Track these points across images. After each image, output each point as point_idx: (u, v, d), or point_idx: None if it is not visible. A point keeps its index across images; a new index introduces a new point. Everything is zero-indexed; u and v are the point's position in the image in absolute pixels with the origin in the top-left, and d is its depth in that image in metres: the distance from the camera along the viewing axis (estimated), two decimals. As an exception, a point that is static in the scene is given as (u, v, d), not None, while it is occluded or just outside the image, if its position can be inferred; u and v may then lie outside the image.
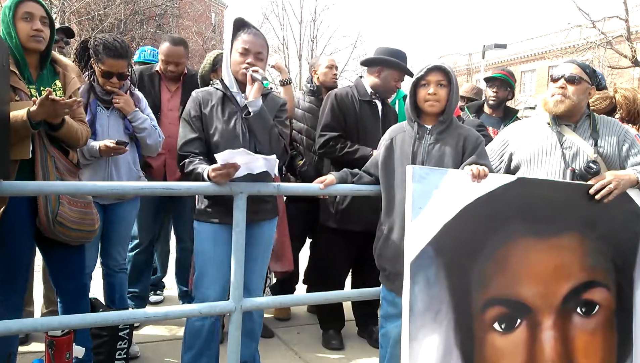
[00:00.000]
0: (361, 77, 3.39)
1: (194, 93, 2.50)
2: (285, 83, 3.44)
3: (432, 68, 2.32)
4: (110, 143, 2.64)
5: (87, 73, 2.76)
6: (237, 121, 2.42)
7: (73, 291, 2.51)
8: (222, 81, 2.49)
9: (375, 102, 3.30)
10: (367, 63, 3.34)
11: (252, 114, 2.36)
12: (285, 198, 3.43)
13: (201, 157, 2.38)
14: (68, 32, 3.34)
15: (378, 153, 2.51)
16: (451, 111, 2.35)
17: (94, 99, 2.75)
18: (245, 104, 2.40)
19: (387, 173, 2.42)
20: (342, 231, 3.23)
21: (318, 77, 3.70)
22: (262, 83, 2.36)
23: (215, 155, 2.19)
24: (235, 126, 2.42)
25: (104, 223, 2.82)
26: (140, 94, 2.96)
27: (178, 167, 2.44)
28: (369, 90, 3.29)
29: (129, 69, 2.81)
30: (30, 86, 2.29)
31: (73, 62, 2.77)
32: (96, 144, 2.64)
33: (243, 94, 2.44)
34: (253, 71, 2.36)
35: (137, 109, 2.84)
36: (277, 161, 2.29)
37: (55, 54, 2.47)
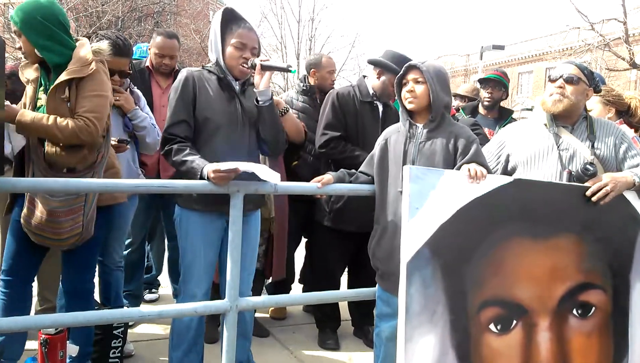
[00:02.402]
0: (365, 76, 3.35)
1: (185, 71, 2.42)
2: (284, 113, 3.25)
3: (408, 67, 2.39)
4: (111, 141, 2.62)
5: None
6: (236, 105, 2.42)
7: (68, 292, 2.52)
8: (217, 64, 2.43)
9: (376, 103, 3.27)
10: (370, 63, 3.30)
11: (262, 103, 2.36)
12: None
13: (189, 144, 2.33)
14: None
15: (373, 153, 2.51)
16: (437, 107, 2.33)
17: None
18: (240, 91, 2.44)
19: (382, 172, 2.43)
20: (336, 230, 3.22)
21: (316, 78, 3.67)
22: (290, 70, 2.43)
23: (220, 164, 2.17)
24: (235, 110, 2.41)
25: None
26: (139, 92, 2.94)
27: (161, 150, 2.38)
28: (371, 91, 3.26)
29: (130, 67, 2.80)
30: (41, 91, 2.30)
31: None
32: None
33: (236, 82, 2.45)
34: (262, 61, 2.35)
35: (137, 107, 2.82)
36: (279, 175, 2.29)
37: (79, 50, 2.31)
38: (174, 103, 2.37)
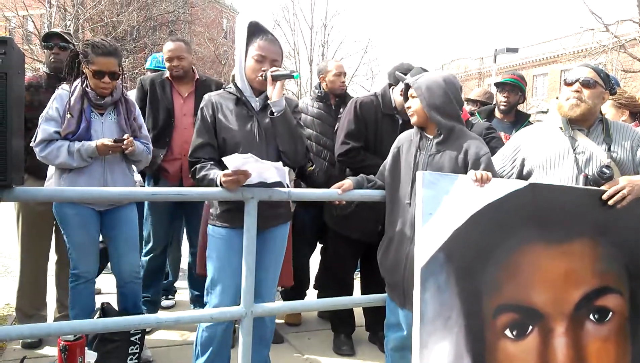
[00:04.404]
0: (390, 85, 3.27)
1: (206, 96, 2.48)
2: None
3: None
4: (107, 141, 2.63)
5: (79, 80, 2.71)
6: (254, 124, 2.43)
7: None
8: (235, 84, 2.48)
9: (397, 117, 3.22)
10: (397, 79, 3.18)
11: (276, 114, 2.37)
12: (294, 204, 3.44)
13: (212, 163, 2.38)
14: (62, 38, 3.36)
15: (386, 161, 2.52)
16: (438, 121, 2.31)
17: (88, 106, 2.70)
18: (261, 108, 2.44)
19: (393, 181, 2.43)
20: (343, 235, 3.26)
21: (326, 84, 3.70)
22: (293, 76, 2.38)
23: (223, 158, 2.19)
24: (252, 130, 2.42)
25: (104, 229, 2.82)
26: (133, 100, 2.93)
27: (189, 173, 2.44)
28: (394, 104, 3.21)
29: (120, 70, 2.75)
30: None
31: (65, 74, 2.76)
32: (92, 143, 2.63)
33: (257, 98, 2.46)
34: (272, 72, 2.37)
35: (137, 145, 2.78)
36: (288, 170, 2.29)
37: None
38: (196, 128, 2.45)
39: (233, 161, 2.17)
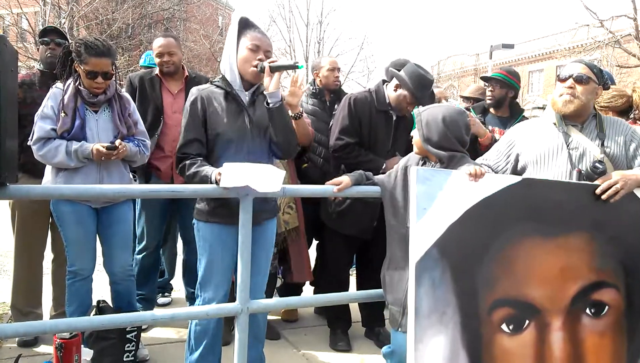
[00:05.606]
0: (384, 82, 3.28)
1: (195, 90, 2.45)
2: (297, 117, 3.15)
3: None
4: (102, 147, 2.62)
5: (72, 78, 2.69)
6: (245, 119, 2.43)
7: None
8: (223, 78, 2.47)
9: (391, 113, 3.22)
10: (390, 75, 3.21)
11: (273, 105, 2.37)
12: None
13: (201, 159, 2.37)
14: (60, 34, 3.26)
15: (394, 175, 2.49)
16: (434, 152, 2.32)
17: (82, 103, 2.69)
18: (250, 102, 2.44)
19: (402, 202, 2.39)
20: (339, 231, 3.27)
21: (320, 80, 3.70)
22: (297, 66, 2.42)
23: (225, 164, 2.20)
24: (244, 125, 2.42)
25: (101, 226, 2.81)
26: (128, 96, 2.92)
27: (176, 169, 2.42)
28: (388, 100, 3.21)
29: (114, 69, 2.73)
30: None
31: (58, 70, 2.73)
32: (89, 146, 2.62)
33: (246, 93, 2.46)
34: (270, 62, 2.37)
35: (130, 146, 2.77)
36: (284, 172, 2.29)
37: None
38: (184, 123, 2.42)
39: (230, 168, 2.17)
